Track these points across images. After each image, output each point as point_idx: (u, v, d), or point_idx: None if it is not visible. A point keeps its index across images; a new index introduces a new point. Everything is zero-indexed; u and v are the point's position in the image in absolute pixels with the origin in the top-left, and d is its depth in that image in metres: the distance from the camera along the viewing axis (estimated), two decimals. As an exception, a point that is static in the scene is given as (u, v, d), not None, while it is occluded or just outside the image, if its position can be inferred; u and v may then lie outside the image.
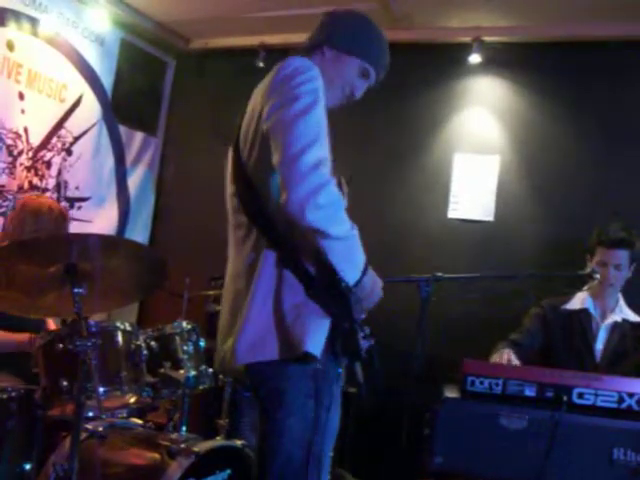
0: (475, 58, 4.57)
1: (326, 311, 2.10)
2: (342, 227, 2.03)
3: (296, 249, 2.12)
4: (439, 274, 3.56)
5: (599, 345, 3.56)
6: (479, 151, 4.63)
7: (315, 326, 2.09)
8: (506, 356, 3.30)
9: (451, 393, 3.06)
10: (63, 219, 3.61)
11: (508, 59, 4.62)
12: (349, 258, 2.08)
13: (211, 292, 4.18)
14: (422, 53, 4.65)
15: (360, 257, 2.12)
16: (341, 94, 2.36)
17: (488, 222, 4.56)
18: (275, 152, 2.04)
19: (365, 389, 2.19)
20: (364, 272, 2.11)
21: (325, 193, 1.97)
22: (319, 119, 2.06)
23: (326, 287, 2.10)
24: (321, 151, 2.01)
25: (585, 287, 3.63)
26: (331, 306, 2.10)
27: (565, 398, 2.89)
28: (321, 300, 2.10)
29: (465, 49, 4.59)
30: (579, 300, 3.64)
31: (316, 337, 2.08)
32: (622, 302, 3.61)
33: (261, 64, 5.02)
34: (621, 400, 2.89)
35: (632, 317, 3.58)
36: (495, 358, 3.35)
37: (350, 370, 2.20)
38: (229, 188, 2.33)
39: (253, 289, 2.13)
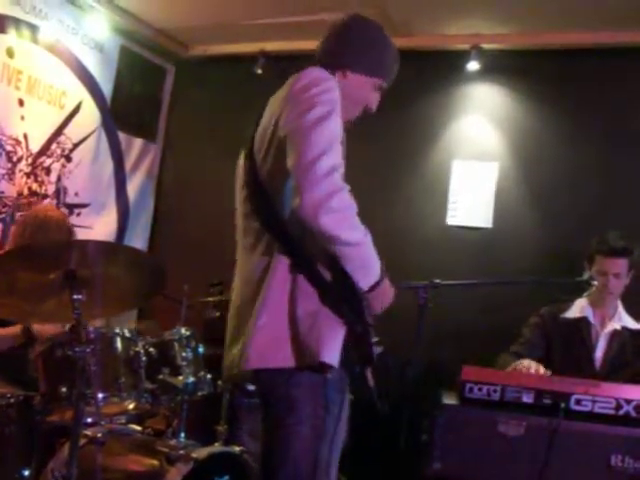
0: (473, 65, 4.59)
1: (340, 317, 2.10)
2: (354, 233, 2.04)
3: (310, 255, 2.13)
4: (437, 281, 3.56)
5: (598, 353, 3.55)
6: (477, 158, 4.64)
7: (331, 335, 2.09)
8: (534, 368, 3.26)
9: (449, 400, 3.07)
10: (69, 235, 3.62)
11: (506, 66, 4.63)
12: (363, 264, 2.10)
13: (210, 298, 4.18)
14: (420, 60, 4.66)
15: (374, 263, 2.13)
16: (358, 110, 2.42)
17: (486, 229, 4.57)
18: (290, 157, 2.06)
19: (376, 395, 2.18)
20: (381, 278, 2.14)
21: (338, 198, 1.99)
22: (334, 128, 2.09)
23: (341, 293, 2.11)
24: (335, 158, 2.04)
25: (585, 294, 3.63)
26: (345, 312, 2.10)
27: (563, 405, 2.89)
28: (335, 306, 2.10)
29: (463, 56, 4.61)
30: (578, 308, 3.64)
31: (332, 347, 2.08)
32: (621, 309, 3.61)
33: (260, 71, 5.02)
34: (619, 407, 2.89)
35: (631, 325, 3.58)
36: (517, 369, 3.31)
37: (357, 377, 2.20)
38: (240, 193, 2.34)
39: (265, 295, 2.13)
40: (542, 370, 3.24)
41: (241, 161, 2.38)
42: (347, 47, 2.38)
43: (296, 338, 2.10)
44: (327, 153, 2.01)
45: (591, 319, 3.59)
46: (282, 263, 2.13)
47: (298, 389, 2.13)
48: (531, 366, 3.26)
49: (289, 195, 2.10)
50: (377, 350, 2.15)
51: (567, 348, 3.58)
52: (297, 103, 2.11)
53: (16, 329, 3.24)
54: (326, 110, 2.08)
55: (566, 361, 3.45)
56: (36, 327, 3.23)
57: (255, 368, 2.15)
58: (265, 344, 2.11)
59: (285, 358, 2.10)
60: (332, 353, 2.07)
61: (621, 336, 3.55)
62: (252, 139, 2.31)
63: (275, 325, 2.11)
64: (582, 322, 3.60)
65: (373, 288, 2.13)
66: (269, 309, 2.12)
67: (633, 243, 3.51)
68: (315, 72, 2.19)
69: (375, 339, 2.15)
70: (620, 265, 3.49)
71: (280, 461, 2.14)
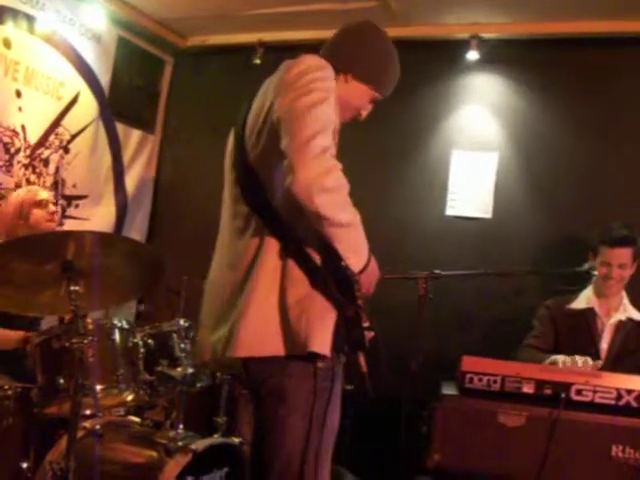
0: (473, 55, 4.57)
1: (331, 300, 2.09)
2: (346, 214, 2.03)
3: (300, 239, 2.11)
4: (437, 271, 3.56)
5: (604, 344, 3.55)
6: (477, 148, 4.63)
7: (320, 323, 2.08)
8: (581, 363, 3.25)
9: (449, 390, 3.06)
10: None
11: (506, 56, 4.61)
12: (354, 246, 2.08)
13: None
14: (420, 50, 4.63)
15: (364, 244, 2.12)
16: (350, 116, 2.41)
17: (486, 219, 4.55)
18: (284, 138, 2.05)
19: (369, 381, 2.17)
20: (368, 259, 2.12)
21: (333, 176, 1.99)
22: (328, 113, 2.08)
23: (331, 275, 2.09)
24: (328, 140, 2.03)
25: (589, 285, 3.62)
26: (336, 295, 2.09)
27: (563, 395, 2.89)
28: (326, 289, 2.09)
29: (463, 46, 4.59)
30: (584, 299, 3.64)
31: (322, 335, 2.07)
32: (626, 301, 3.62)
33: (258, 61, 5.01)
34: (619, 397, 2.89)
35: (636, 316, 3.58)
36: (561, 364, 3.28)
37: (351, 363, 2.18)
38: (229, 176, 2.33)
39: (254, 281, 2.12)
40: (591, 362, 3.24)
41: (230, 142, 2.36)
42: (358, 54, 2.37)
43: (285, 327, 2.09)
44: (321, 134, 2.00)
45: (597, 310, 3.59)
46: (271, 248, 2.13)
47: (290, 380, 2.12)
48: (576, 362, 3.25)
49: (280, 179, 2.09)
50: (369, 335, 2.14)
51: (573, 338, 3.57)
52: (293, 88, 2.09)
53: (19, 335, 3.22)
54: (322, 95, 2.07)
55: (572, 351, 3.43)
56: None
57: (244, 356, 2.13)
58: (254, 332, 2.10)
59: (275, 347, 2.09)
60: (322, 342, 2.06)
61: (626, 327, 3.55)
62: (243, 122, 2.29)
63: (264, 313, 2.10)
64: (588, 313, 3.60)
65: (363, 270, 2.11)
66: (258, 296, 2.11)
67: (636, 232, 3.50)
68: (312, 59, 2.18)
69: (366, 324, 2.13)
70: (624, 255, 3.48)
71: (273, 451, 2.14)
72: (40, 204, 3.62)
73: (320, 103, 2.05)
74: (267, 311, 2.10)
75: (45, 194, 3.72)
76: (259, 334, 2.10)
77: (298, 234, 2.11)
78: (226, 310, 2.20)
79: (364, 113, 2.43)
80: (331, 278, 2.09)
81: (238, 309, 2.14)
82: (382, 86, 2.40)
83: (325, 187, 1.96)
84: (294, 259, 2.11)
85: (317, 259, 2.11)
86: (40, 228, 3.57)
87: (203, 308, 2.38)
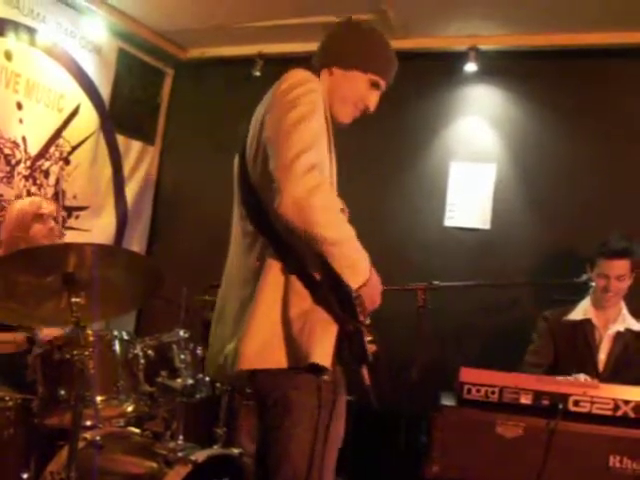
0: (471, 67, 4.59)
1: (332, 315, 2.10)
2: (337, 231, 2.03)
3: (300, 257, 2.12)
4: (435, 282, 3.57)
5: (602, 355, 3.55)
6: (475, 159, 4.64)
7: (322, 336, 2.09)
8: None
9: (448, 401, 3.07)
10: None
11: (504, 67, 4.64)
12: (349, 262, 2.07)
13: (207, 297, 4.17)
14: (418, 62, 4.65)
15: (362, 260, 2.11)
16: (354, 109, 2.38)
17: (484, 230, 4.56)
18: (271, 160, 2.06)
19: (373, 394, 2.18)
20: (369, 276, 2.12)
21: (319, 195, 1.98)
22: (315, 128, 2.09)
23: (331, 291, 2.10)
24: (315, 157, 2.03)
25: (587, 296, 3.63)
26: (337, 310, 2.10)
27: (561, 406, 2.90)
28: (327, 304, 2.10)
29: (461, 58, 4.61)
30: (582, 310, 3.64)
31: (323, 348, 2.08)
32: (625, 311, 3.61)
33: (258, 73, 5.04)
34: (617, 408, 2.89)
35: (635, 326, 3.57)
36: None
37: (351, 374, 2.20)
38: (236, 194, 2.35)
39: (258, 296, 2.14)
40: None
41: (236, 159, 2.38)
42: (334, 44, 2.38)
43: (288, 339, 2.10)
44: (307, 152, 2.01)
45: (594, 321, 3.59)
46: (275, 265, 2.14)
47: (295, 391, 2.13)
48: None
49: None
50: (371, 348, 2.15)
51: (571, 350, 3.57)
52: (278, 106, 2.12)
53: (6, 337, 3.23)
54: (306, 110, 2.08)
55: (570, 363, 3.44)
56: (44, 332, 3.21)
57: (247, 369, 2.15)
58: (259, 345, 2.12)
59: (278, 360, 2.11)
60: (324, 354, 2.08)
61: (624, 338, 3.55)
62: (244, 142, 2.31)
63: (269, 326, 2.12)
64: (586, 324, 3.60)
65: (363, 286, 2.11)
66: (263, 310, 2.13)
67: (634, 244, 3.50)
68: (298, 74, 2.18)
69: (369, 337, 2.14)
70: (622, 267, 3.48)
71: (277, 462, 2.15)
72: (41, 218, 3.64)
73: (304, 119, 2.06)
74: (270, 325, 2.11)
75: (48, 208, 3.74)
76: (263, 347, 2.11)
77: (298, 253, 2.12)
78: (235, 326, 2.22)
79: (370, 104, 2.39)
80: (332, 295, 2.10)
81: (244, 323, 2.16)
82: (372, 66, 2.35)
83: (312, 206, 1.96)
84: (296, 276, 2.12)
85: (317, 276, 2.12)
86: (38, 242, 3.59)
87: (212, 322, 2.40)
